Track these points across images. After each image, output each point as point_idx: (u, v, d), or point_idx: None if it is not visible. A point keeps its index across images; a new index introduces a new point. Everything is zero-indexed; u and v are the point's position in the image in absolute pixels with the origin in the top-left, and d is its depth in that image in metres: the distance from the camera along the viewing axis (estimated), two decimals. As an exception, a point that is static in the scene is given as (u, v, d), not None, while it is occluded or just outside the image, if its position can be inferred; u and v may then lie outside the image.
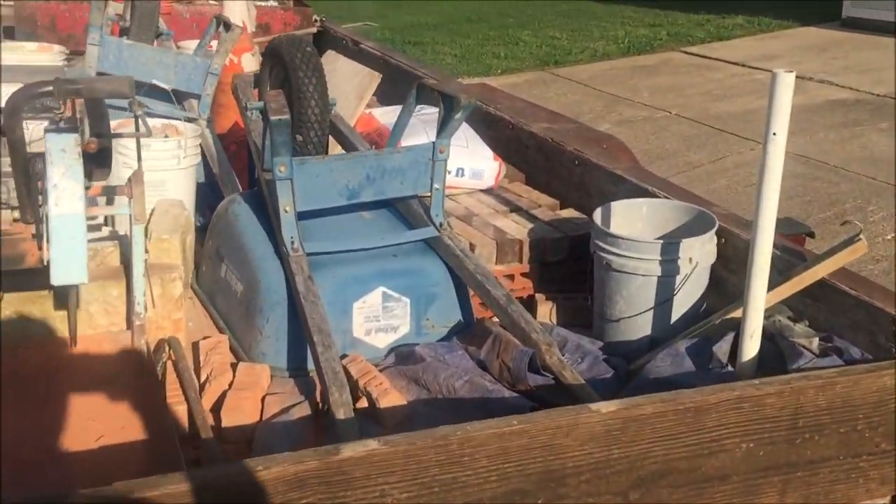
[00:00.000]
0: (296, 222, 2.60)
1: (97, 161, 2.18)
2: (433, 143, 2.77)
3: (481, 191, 3.56)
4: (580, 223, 3.18)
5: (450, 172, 3.43)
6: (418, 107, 3.30)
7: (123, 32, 4.25)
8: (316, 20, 6.50)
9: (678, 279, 2.63)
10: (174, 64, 3.90)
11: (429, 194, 2.82)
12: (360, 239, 2.71)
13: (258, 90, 3.21)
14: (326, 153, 3.20)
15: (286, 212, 2.59)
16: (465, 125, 3.71)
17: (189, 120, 3.77)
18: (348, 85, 4.05)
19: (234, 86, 3.29)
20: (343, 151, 3.18)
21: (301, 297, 2.45)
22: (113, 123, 3.29)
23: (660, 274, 2.62)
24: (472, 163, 3.51)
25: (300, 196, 2.60)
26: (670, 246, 2.61)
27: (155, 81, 3.81)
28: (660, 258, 2.61)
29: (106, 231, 2.75)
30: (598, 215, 2.80)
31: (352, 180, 2.68)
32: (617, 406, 1.80)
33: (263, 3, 6.70)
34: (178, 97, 3.99)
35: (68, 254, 1.72)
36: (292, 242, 2.58)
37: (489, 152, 3.59)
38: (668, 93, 8.30)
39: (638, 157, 6.32)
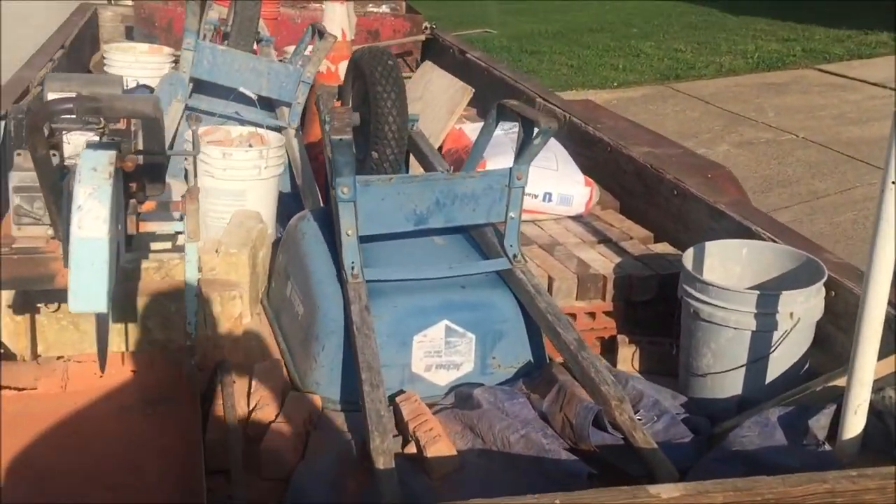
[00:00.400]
0: (358, 247, 2.46)
1: (150, 176, 2.10)
2: (510, 168, 2.56)
3: (570, 217, 3.32)
4: (673, 260, 2.91)
5: (536, 197, 3.24)
6: (510, 124, 3.11)
7: (226, 38, 4.25)
8: (426, 27, 6.38)
9: (776, 335, 2.33)
10: (267, 71, 3.84)
11: (503, 222, 2.62)
12: (425, 268, 2.54)
13: (341, 102, 3.10)
14: (407, 171, 3.06)
15: (348, 235, 2.44)
16: (557, 145, 3.50)
17: (277, 128, 3.70)
18: (440, 98, 3.90)
19: (316, 97, 3.20)
20: (423, 171, 3.02)
21: (355, 329, 2.30)
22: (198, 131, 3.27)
23: (754, 328, 2.33)
24: (561, 187, 3.28)
25: (364, 219, 2.46)
26: (768, 298, 2.32)
27: (241, 89, 3.77)
28: (755, 310, 2.32)
29: (182, 240, 2.67)
30: (689, 256, 2.53)
31: (420, 205, 2.52)
32: (681, 491, 1.58)
33: (375, 10, 6.65)
34: (270, 105, 3.94)
35: (87, 280, 1.62)
36: (352, 268, 2.44)
37: (580, 176, 3.35)
38: (797, 114, 7.76)
39: (756, 184, 5.94)
